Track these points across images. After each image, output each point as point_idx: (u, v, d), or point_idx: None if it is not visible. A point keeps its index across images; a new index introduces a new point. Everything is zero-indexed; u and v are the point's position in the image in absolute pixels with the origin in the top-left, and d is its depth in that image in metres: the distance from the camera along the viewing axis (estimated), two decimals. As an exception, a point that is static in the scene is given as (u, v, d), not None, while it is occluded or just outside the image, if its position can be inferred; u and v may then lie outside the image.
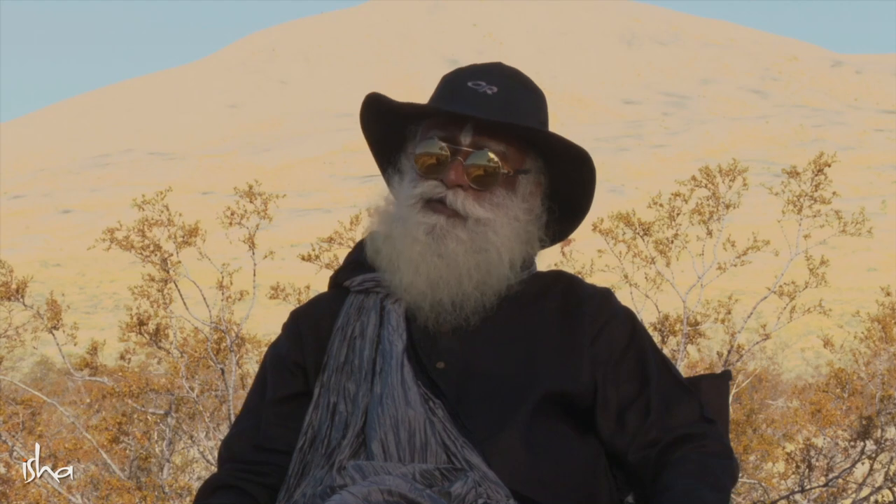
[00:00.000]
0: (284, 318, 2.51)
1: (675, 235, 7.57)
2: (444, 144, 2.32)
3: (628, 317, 2.40)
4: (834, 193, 7.67)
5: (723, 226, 7.60)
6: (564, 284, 2.42)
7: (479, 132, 2.33)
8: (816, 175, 7.57)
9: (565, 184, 2.41)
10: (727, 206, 7.55)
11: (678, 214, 7.55)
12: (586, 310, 2.37)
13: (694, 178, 7.63)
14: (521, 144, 2.36)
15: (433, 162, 2.33)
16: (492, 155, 2.32)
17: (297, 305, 2.61)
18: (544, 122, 2.41)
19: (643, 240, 7.58)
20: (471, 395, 2.27)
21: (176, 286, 7.11)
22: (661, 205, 7.55)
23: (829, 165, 7.60)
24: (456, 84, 2.40)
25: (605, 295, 2.41)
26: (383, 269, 2.35)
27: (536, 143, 2.37)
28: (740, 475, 8.35)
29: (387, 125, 2.44)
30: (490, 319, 2.34)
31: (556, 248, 2.62)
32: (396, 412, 2.25)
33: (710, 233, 7.57)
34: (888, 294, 8.47)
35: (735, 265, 7.57)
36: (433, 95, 2.42)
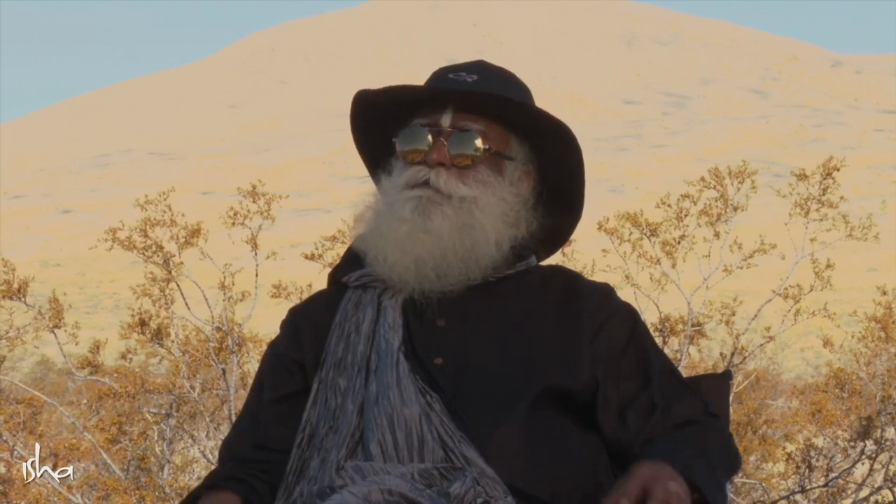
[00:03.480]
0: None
1: (682, 236, 7.55)
2: (425, 132, 2.34)
3: (629, 313, 2.38)
4: (841, 198, 7.65)
5: (730, 227, 7.57)
6: (564, 280, 2.40)
7: (459, 113, 2.35)
8: (825, 179, 7.55)
9: (554, 171, 2.41)
10: (735, 209, 7.53)
11: (686, 215, 7.53)
12: (586, 306, 2.35)
13: (703, 180, 7.60)
14: (502, 126, 2.37)
15: (420, 158, 2.34)
16: (473, 133, 2.34)
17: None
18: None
19: (650, 240, 7.56)
20: (468, 390, 2.26)
21: (178, 286, 7.11)
22: (668, 205, 7.53)
23: (838, 170, 7.58)
24: (437, 77, 2.43)
25: (606, 291, 2.40)
26: (372, 259, 2.35)
27: (517, 121, 2.38)
28: (740, 475, 8.33)
29: (375, 130, 2.45)
30: (489, 314, 2.34)
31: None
32: (392, 411, 2.24)
33: (717, 234, 7.54)
34: (885, 293, 8.46)
35: (741, 267, 7.55)
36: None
